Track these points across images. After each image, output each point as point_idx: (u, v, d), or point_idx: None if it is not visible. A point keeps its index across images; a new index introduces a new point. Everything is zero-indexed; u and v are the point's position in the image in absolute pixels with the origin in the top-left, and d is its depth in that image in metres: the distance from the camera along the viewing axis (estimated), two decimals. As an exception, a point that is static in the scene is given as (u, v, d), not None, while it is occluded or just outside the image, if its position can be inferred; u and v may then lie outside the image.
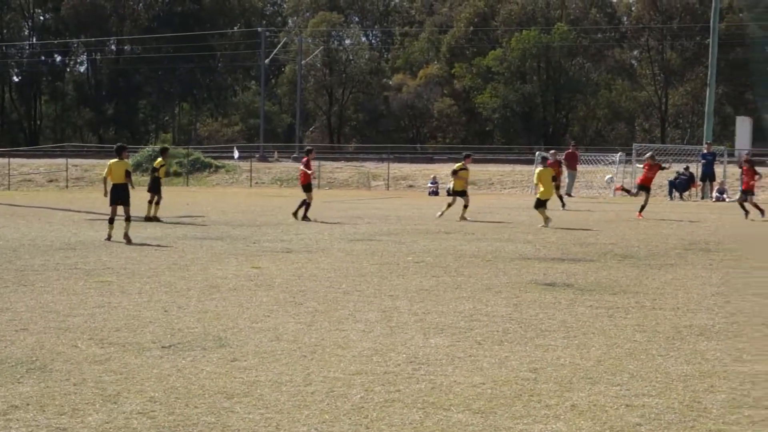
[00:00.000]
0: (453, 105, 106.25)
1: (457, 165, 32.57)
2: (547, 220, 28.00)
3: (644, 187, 33.09)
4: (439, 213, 31.59)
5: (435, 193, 53.43)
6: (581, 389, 8.95)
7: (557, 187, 37.79)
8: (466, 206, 31.19)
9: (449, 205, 31.64)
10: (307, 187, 30.98)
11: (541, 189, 28.93)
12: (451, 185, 32.66)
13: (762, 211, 32.39)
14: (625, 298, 14.44)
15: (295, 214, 30.51)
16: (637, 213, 32.31)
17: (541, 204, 28.65)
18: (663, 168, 35.17)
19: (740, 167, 47.09)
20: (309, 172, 31.31)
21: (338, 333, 11.49)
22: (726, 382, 9.30)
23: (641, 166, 33.04)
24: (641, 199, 33.23)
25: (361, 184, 65.56)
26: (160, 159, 31.78)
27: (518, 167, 66.85)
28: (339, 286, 15.40)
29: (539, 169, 30.25)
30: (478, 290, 15.11)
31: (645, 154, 34.34)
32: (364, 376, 9.32)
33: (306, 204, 30.41)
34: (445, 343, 10.95)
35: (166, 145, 35.83)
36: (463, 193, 31.60)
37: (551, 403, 8.46)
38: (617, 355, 10.49)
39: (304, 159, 31.93)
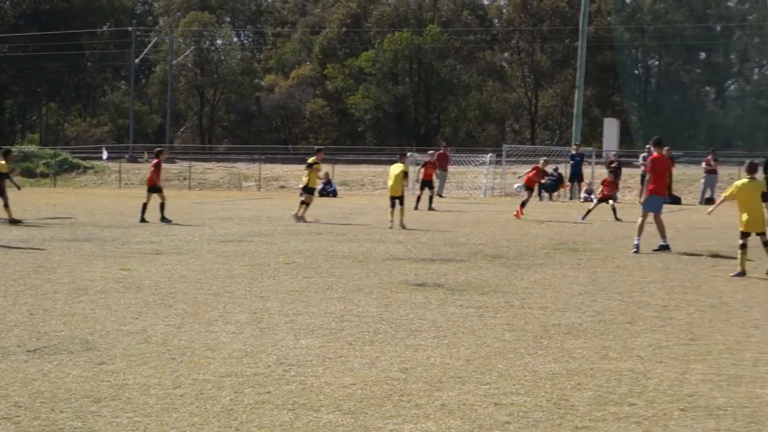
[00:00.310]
0: (325, 106, 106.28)
1: (311, 159, 32.26)
2: (392, 221, 27.75)
3: (529, 187, 33.48)
4: (299, 213, 30.80)
5: (305, 189, 53.07)
6: (451, 388, 9.01)
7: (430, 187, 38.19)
8: (307, 205, 30.80)
9: (306, 204, 30.99)
10: (155, 189, 30.42)
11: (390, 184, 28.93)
12: (303, 180, 32.04)
13: (587, 213, 32.09)
14: (495, 298, 14.58)
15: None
16: (517, 211, 32.44)
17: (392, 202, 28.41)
18: (546, 174, 35.66)
19: (608, 167, 48.00)
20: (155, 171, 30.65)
21: (208, 335, 11.39)
22: (592, 380, 9.45)
23: (528, 168, 33.26)
24: (521, 200, 33.47)
25: (233, 185, 65.17)
26: (3, 162, 30.71)
27: (390, 168, 66.96)
28: (209, 288, 15.27)
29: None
30: (349, 291, 15.12)
31: (541, 158, 34.77)
32: (234, 378, 9.26)
33: (146, 205, 29.88)
34: (316, 344, 10.93)
35: (9, 147, 34.83)
36: (311, 191, 31.33)
37: (421, 403, 8.50)
38: (486, 354, 10.58)
39: (155, 160, 31.26)
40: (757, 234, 18.05)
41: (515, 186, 32.96)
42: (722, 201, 19.48)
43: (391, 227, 27.51)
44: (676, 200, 44.18)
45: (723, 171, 47.92)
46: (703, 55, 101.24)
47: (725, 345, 11.28)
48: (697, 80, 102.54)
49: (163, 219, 29.62)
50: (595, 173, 53.71)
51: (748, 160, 19.50)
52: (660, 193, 22.30)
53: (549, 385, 9.24)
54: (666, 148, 45.19)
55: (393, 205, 28.24)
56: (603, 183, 34.51)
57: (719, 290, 15.87)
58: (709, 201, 45.06)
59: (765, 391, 9.15)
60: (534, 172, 33.57)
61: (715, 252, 21.90)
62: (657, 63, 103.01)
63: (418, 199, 37.98)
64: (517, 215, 32.29)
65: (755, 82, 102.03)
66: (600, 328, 12.25)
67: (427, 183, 39.07)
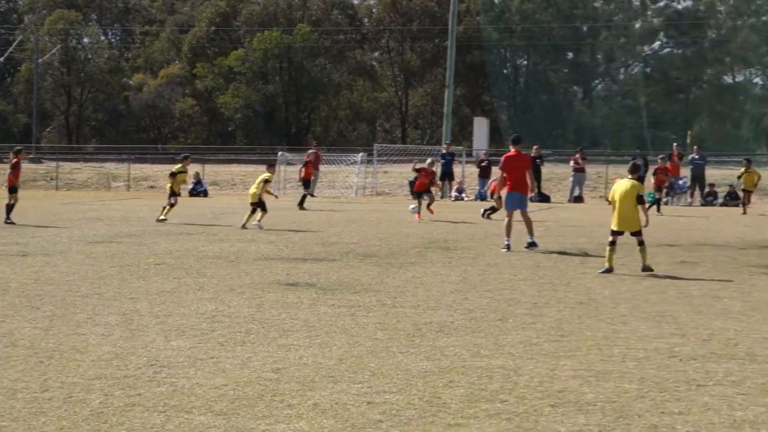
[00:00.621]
0: (195, 105, 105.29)
1: (176, 167, 31.89)
2: (247, 222, 27.44)
3: (420, 193, 32.63)
4: (161, 216, 30.26)
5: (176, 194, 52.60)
6: (323, 388, 8.99)
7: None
8: (172, 206, 30.47)
9: (171, 206, 30.59)
10: (14, 189, 29.72)
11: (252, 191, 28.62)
12: (168, 186, 31.60)
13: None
14: (367, 297, 14.60)
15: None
16: (417, 215, 31.66)
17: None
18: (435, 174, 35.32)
19: (478, 166, 48.47)
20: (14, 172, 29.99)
21: (77, 337, 11.19)
22: (464, 377, 9.51)
23: (416, 171, 32.86)
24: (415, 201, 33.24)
25: (101, 185, 64.19)
26: None
27: (261, 168, 66.69)
28: (78, 290, 15.01)
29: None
30: (221, 291, 15.00)
31: (426, 160, 34.28)
32: (104, 381, 9.11)
33: (10, 206, 29.24)
34: (187, 345, 10.82)
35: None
36: (175, 194, 30.93)
37: (294, 403, 8.46)
38: (359, 353, 10.58)
39: (14, 160, 30.52)
40: (632, 234, 18.21)
41: (411, 207, 32.35)
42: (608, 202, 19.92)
43: (244, 227, 27.08)
44: (546, 198, 44.81)
45: (591, 169, 48.81)
46: (570, 55, 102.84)
47: (594, 341, 11.45)
48: (564, 80, 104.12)
49: (8, 220, 28.82)
50: (465, 172, 54.16)
51: (631, 162, 20.09)
52: (517, 190, 22.27)
53: (421, 383, 9.27)
54: (535, 147, 45.99)
55: (253, 211, 27.94)
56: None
57: (588, 287, 16.13)
58: (578, 199, 45.86)
59: (633, 386, 9.31)
60: (423, 175, 33.25)
61: (583, 249, 22.26)
62: (525, 63, 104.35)
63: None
64: (419, 216, 31.53)
65: (621, 81, 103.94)
66: (471, 325, 12.34)
67: (306, 182, 39.21)
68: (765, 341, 11.61)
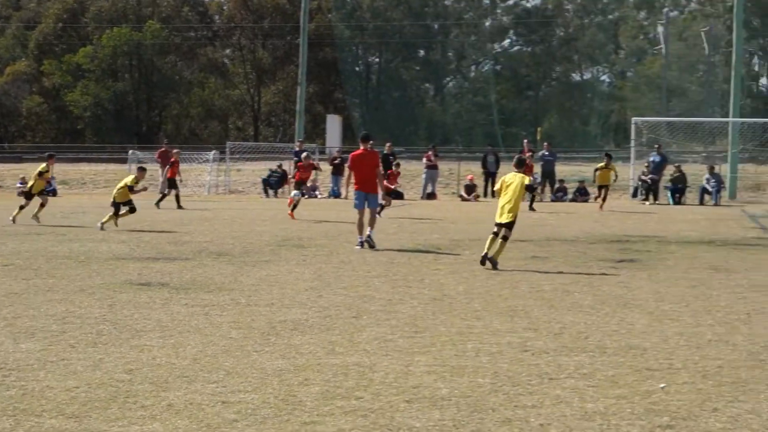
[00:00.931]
0: (42, 103, 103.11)
1: (42, 166, 31.22)
2: (107, 223, 26.96)
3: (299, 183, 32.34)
4: (11, 217, 29.54)
5: (26, 194, 51.50)
6: (177, 388, 8.89)
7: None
8: (43, 205, 29.87)
9: (21, 208, 29.88)
10: None
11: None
12: (29, 185, 30.96)
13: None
14: (221, 296, 14.48)
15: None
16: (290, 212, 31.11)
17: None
18: (316, 168, 34.83)
19: (331, 163, 48.50)
20: None
21: None
22: (320, 375, 9.49)
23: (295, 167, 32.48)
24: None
25: (-54, 185, 62.51)
26: None
27: (111, 166, 65.85)
28: None
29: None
30: (71, 292, 14.71)
31: (302, 154, 33.88)
32: (-51, 387, 8.85)
33: None
34: (37, 348, 10.58)
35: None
36: (30, 196, 30.24)
37: (147, 404, 8.34)
38: (213, 352, 10.49)
39: None
40: (504, 225, 18.51)
41: (294, 193, 31.61)
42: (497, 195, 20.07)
43: (101, 228, 26.52)
44: (399, 195, 45.07)
45: (443, 166, 49.25)
46: (422, 52, 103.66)
47: (448, 336, 11.54)
48: (416, 77, 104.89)
49: None
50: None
51: (516, 156, 20.59)
52: (363, 189, 22.07)
53: (277, 381, 9.23)
54: (388, 144, 46.24)
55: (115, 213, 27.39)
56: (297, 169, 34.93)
57: (442, 283, 16.25)
58: (431, 196, 46.19)
59: (486, 380, 9.41)
60: (301, 169, 32.84)
61: (437, 246, 22.43)
62: (377, 60, 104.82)
63: (163, 197, 37.70)
64: (291, 215, 31.04)
65: (472, 79, 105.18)
66: (326, 323, 12.33)
67: (171, 182, 38.81)
68: (614, 334, 11.85)
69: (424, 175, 48.23)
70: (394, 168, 36.25)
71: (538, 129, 75.16)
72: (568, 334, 11.83)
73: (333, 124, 71.46)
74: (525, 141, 49.72)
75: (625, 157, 54.19)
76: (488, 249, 18.45)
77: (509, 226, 18.59)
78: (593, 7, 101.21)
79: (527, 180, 19.19)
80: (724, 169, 48.79)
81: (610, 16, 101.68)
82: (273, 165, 52.21)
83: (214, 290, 15.09)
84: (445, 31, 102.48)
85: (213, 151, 58.67)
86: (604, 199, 37.44)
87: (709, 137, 60.35)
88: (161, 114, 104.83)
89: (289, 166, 50.91)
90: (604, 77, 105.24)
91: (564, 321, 12.68)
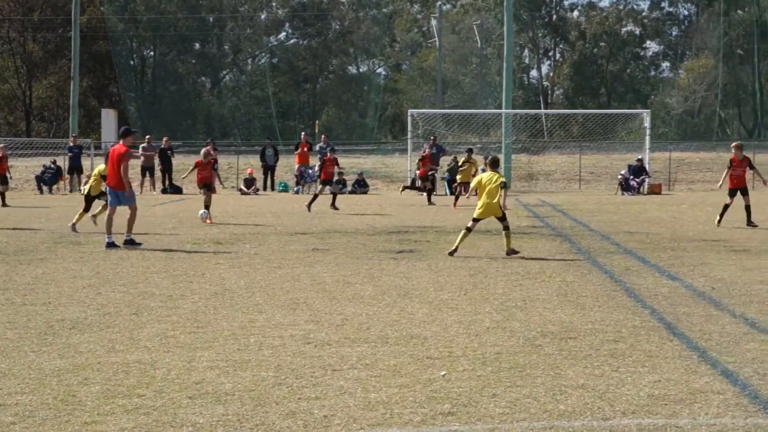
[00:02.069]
0: None
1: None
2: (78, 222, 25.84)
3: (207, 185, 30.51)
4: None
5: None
6: (-50, 393, 8.58)
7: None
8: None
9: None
10: None
11: None
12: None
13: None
14: (-5, 296, 14.06)
15: None
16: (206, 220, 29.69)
17: None
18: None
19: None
20: None
21: None
22: (100, 374, 9.33)
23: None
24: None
25: None
26: None
27: None
28: None
29: None
30: None
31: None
32: None
33: None
34: None
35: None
36: None
37: None
38: (-12, 354, 10.18)
39: None
40: (499, 219, 19.40)
41: (201, 212, 29.31)
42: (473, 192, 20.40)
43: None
44: (178, 190, 44.60)
45: (222, 160, 48.81)
46: (197, 45, 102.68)
47: (230, 331, 11.49)
48: (192, 71, 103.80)
49: None
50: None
51: (490, 156, 21.24)
52: (115, 187, 20.95)
53: (55, 381, 9.02)
54: (165, 138, 45.65)
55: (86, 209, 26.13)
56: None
57: (223, 277, 16.16)
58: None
59: (270, 374, 9.41)
60: (200, 166, 31.01)
61: (217, 239, 22.28)
62: (152, 54, 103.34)
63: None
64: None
65: (249, 72, 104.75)
66: (106, 321, 12.11)
67: (2, 177, 37.64)
68: (395, 324, 12.01)
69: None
70: (329, 154, 34.28)
71: (317, 122, 75.37)
72: (350, 325, 11.93)
73: (108, 119, 70.10)
74: (303, 134, 49.83)
75: (402, 149, 54.97)
76: (458, 244, 19.19)
77: (501, 219, 19.36)
78: (368, 1, 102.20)
79: (502, 179, 19.60)
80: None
81: (385, 10, 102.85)
82: (47, 161, 50.84)
83: (-13, 290, 14.63)
84: (221, 24, 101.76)
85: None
86: (457, 197, 35.24)
87: (484, 128, 61.79)
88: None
89: (63, 162, 49.64)
90: (380, 70, 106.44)
91: (346, 312, 12.78)
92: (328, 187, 33.77)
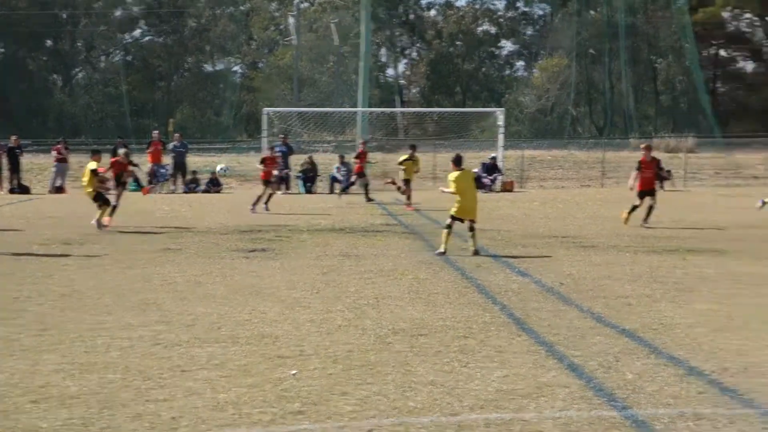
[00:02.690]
0: None
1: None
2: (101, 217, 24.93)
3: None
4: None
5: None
6: None
7: None
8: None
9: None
10: None
11: None
12: None
13: None
14: None
15: None
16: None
17: None
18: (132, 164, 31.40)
19: None
20: None
21: None
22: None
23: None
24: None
25: None
26: None
27: None
28: None
29: None
30: None
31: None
32: None
33: None
34: None
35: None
36: None
37: None
38: None
39: None
40: (471, 220, 19.47)
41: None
42: (451, 192, 19.81)
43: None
44: (25, 190, 43.68)
45: (74, 159, 47.94)
46: (49, 42, 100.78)
47: (77, 333, 11.28)
48: (43, 68, 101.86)
49: None
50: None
51: (454, 154, 20.35)
52: None
53: None
54: (14, 137, 44.62)
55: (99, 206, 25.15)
56: None
57: (72, 278, 15.86)
58: (59, 190, 44.95)
59: (117, 376, 9.27)
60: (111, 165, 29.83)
61: (67, 240, 21.85)
62: (2, 50, 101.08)
63: None
64: None
65: (103, 69, 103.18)
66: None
67: None
68: (247, 323, 11.95)
69: (54, 169, 46.83)
70: (270, 153, 32.84)
71: (171, 120, 74.45)
72: (200, 325, 11.82)
73: None
74: (155, 132, 49.13)
75: (257, 147, 54.69)
76: (445, 245, 19.20)
77: (472, 221, 19.52)
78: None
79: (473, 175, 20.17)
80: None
81: (242, 7, 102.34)
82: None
83: None
84: (74, 21, 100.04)
85: None
86: (404, 193, 33.62)
87: (339, 127, 61.85)
88: None
89: None
90: (236, 68, 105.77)
91: (196, 312, 12.66)
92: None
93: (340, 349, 10.58)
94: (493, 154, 47.23)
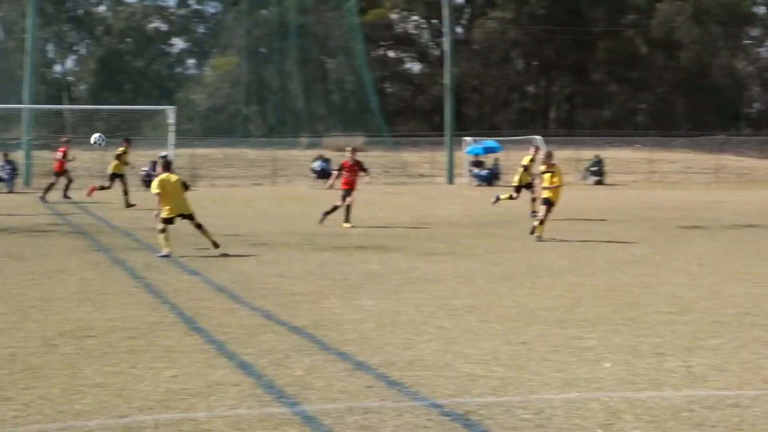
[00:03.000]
0: None
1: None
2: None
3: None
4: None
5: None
6: None
7: None
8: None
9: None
10: None
11: None
12: None
13: None
14: None
15: None
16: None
17: None
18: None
19: None
20: None
21: None
22: None
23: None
24: None
25: None
26: None
27: None
28: None
29: None
30: None
31: None
32: None
33: None
34: None
35: None
36: None
37: None
38: None
39: None
40: (185, 217, 19.24)
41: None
42: (158, 195, 19.22)
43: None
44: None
45: None
46: None
47: None
48: None
49: None
50: None
51: (162, 157, 21.31)
52: None
53: None
54: None
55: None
56: None
57: None
58: None
59: None
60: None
61: None
62: None
63: None
64: None
65: None
66: None
67: None
68: None
69: None
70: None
71: None
72: None
73: None
74: None
75: None
76: (168, 247, 18.51)
77: (189, 217, 19.29)
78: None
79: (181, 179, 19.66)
80: (18, 156, 48.60)
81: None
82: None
83: None
84: None
85: None
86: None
87: (3, 124, 59.80)
88: None
89: None
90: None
91: None
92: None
93: (2, 353, 10.23)
94: (163, 153, 46.82)
